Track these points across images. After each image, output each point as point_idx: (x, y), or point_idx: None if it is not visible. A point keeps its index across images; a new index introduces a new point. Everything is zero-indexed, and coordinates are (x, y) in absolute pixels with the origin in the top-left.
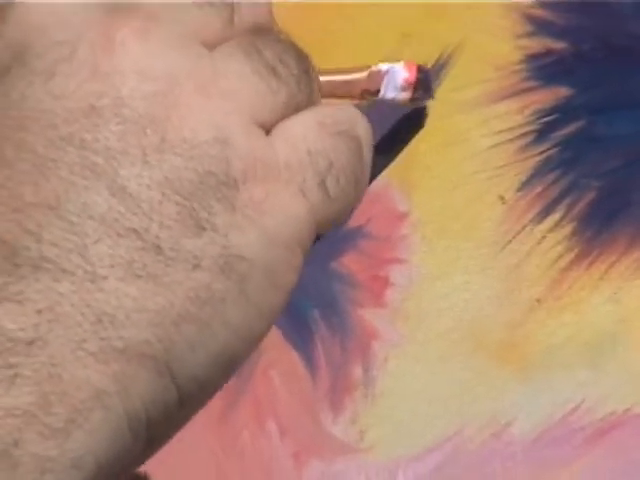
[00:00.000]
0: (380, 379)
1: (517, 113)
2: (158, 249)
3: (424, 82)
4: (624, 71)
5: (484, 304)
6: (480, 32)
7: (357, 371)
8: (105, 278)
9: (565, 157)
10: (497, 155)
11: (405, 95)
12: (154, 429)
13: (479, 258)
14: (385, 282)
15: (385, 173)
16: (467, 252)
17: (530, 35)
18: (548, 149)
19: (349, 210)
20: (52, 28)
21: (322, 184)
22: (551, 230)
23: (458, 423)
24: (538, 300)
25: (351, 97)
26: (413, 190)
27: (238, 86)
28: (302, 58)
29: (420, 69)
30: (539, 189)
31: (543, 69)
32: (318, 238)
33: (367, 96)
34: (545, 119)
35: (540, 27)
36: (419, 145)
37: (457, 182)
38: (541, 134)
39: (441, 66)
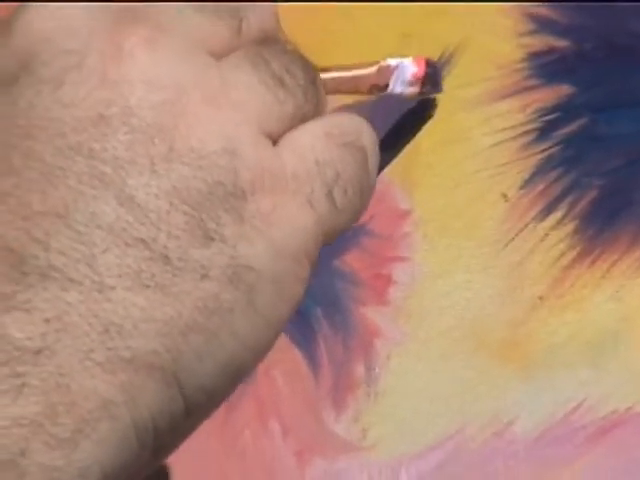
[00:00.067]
0: (382, 377)
1: (519, 111)
2: (166, 259)
3: (432, 77)
4: (626, 70)
5: (486, 302)
6: (482, 31)
7: (359, 369)
8: (113, 288)
9: (567, 155)
10: (499, 153)
11: (413, 90)
12: (161, 439)
13: (481, 256)
14: (387, 280)
15: (387, 171)
16: (469, 250)
17: (532, 33)
18: (550, 147)
19: (355, 220)
20: (59, 37)
21: (329, 195)
22: (553, 228)
23: (460, 421)
24: (540, 298)
25: (359, 92)
26: (415, 188)
27: (246, 97)
28: (308, 68)
29: (429, 64)
30: (541, 187)
31: (545, 67)
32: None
33: (375, 91)
34: (547, 117)
35: (542, 25)
36: (421, 143)
37: (459, 180)
38: (543, 132)
39: (442, 65)
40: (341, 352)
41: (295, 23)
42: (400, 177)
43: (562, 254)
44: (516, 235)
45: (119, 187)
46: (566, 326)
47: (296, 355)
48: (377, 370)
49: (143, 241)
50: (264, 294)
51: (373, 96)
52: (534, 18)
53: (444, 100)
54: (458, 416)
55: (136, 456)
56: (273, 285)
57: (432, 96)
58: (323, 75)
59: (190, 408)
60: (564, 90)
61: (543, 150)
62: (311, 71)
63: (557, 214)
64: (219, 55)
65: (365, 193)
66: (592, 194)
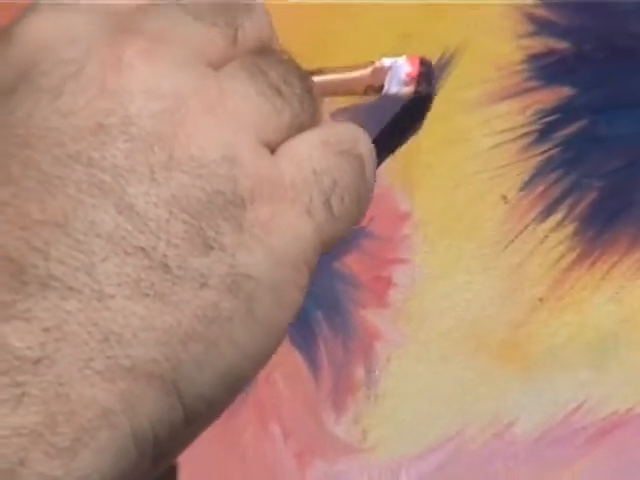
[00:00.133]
0: (382, 379)
1: (519, 113)
2: (165, 267)
3: (427, 75)
4: (626, 71)
5: (486, 304)
6: (481, 32)
7: (359, 371)
8: (112, 297)
9: (567, 157)
10: (499, 155)
11: (408, 89)
12: (160, 447)
13: (481, 258)
14: (387, 282)
15: (387, 174)
16: (469, 252)
17: (532, 35)
18: (550, 149)
19: (352, 228)
20: (58, 46)
21: (327, 203)
22: (553, 230)
23: (460, 423)
24: (540, 299)
25: (355, 94)
26: (415, 190)
27: (244, 107)
28: (304, 78)
29: (423, 62)
30: (541, 189)
31: (545, 69)
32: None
33: (371, 92)
34: (547, 119)
35: (542, 27)
36: (421, 145)
37: (459, 182)
38: (543, 134)
39: (443, 66)
40: (341, 354)
41: (295, 23)
42: (400, 179)
43: (562, 256)
44: (516, 237)
45: (118, 195)
46: (566, 327)
47: (296, 358)
48: (377, 372)
49: (142, 250)
50: (263, 302)
51: (369, 97)
52: (534, 20)
53: (444, 101)
54: (458, 417)
55: (135, 465)
56: (272, 293)
57: (428, 94)
58: (318, 78)
59: (190, 417)
60: (564, 91)
61: (543, 152)
62: (307, 80)
63: (557, 216)
64: (216, 65)
65: (362, 201)
66: (592, 196)
